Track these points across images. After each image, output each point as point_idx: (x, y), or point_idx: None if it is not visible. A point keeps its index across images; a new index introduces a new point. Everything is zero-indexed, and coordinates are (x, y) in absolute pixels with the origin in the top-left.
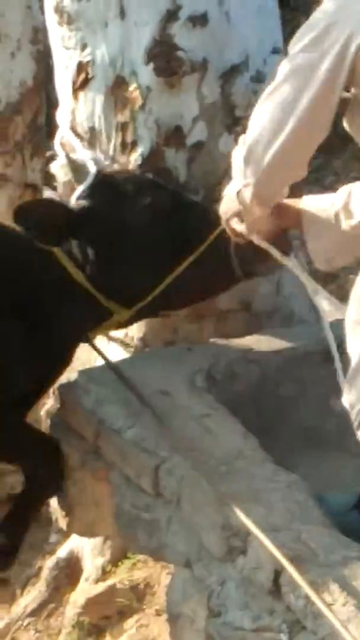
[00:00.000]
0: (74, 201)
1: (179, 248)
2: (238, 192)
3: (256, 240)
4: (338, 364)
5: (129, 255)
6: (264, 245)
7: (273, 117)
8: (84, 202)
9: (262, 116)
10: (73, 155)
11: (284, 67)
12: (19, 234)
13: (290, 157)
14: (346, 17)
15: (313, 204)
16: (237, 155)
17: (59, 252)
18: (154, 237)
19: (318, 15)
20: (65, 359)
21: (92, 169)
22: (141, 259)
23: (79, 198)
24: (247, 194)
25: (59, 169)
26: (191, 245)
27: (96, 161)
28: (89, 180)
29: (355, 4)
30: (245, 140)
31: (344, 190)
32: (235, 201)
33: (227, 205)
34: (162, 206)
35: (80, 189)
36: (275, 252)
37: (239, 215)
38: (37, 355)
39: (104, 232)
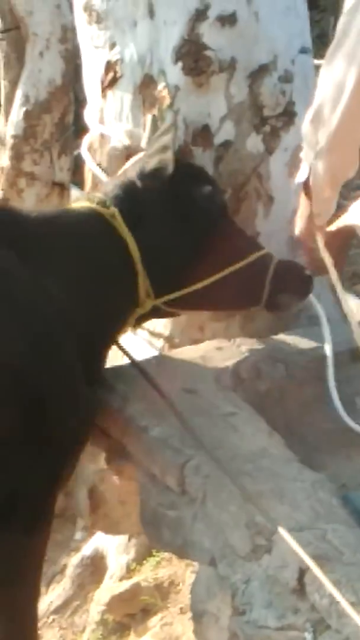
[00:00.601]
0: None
1: (224, 252)
2: (310, 170)
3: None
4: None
5: (183, 243)
6: (321, 246)
7: (334, 79)
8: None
9: (323, 81)
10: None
11: (339, 27)
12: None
13: (355, 119)
14: None
15: None
16: (306, 127)
17: (116, 215)
18: (211, 233)
19: None
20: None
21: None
22: (193, 251)
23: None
24: (320, 167)
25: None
26: (234, 254)
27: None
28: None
29: None
30: (312, 107)
31: None
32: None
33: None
34: (222, 207)
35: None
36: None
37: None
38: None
39: (170, 211)
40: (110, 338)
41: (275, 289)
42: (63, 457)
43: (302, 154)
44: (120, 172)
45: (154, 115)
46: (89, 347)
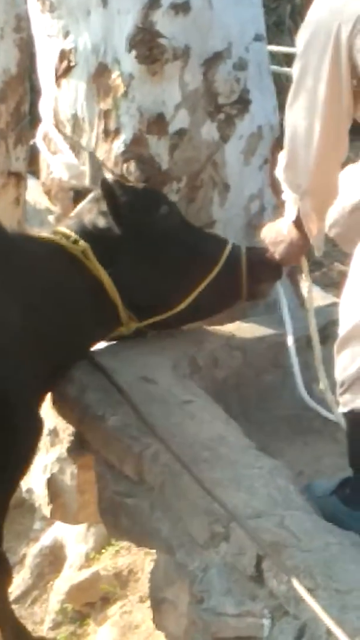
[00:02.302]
0: (84, 205)
1: (195, 266)
2: (298, 210)
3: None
4: (318, 350)
5: (154, 266)
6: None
7: (301, 120)
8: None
9: (291, 124)
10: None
11: (295, 71)
12: (44, 237)
13: (330, 145)
14: (331, 14)
15: None
16: (282, 174)
17: (89, 252)
18: (178, 251)
19: (307, 21)
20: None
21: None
22: (165, 272)
23: (91, 201)
24: (308, 205)
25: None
26: (205, 264)
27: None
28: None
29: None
30: (284, 154)
31: None
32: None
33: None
34: (179, 221)
35: (95, 193)
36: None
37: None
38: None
39: (129, 238)
40: (83, 351)
41: (252, 280)
42: (19, 467)
43: (284, 197)
44: (75, 211)
45: (91, 152)
46: (59, 360)
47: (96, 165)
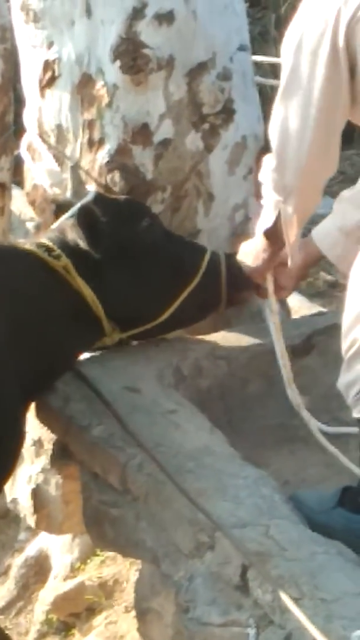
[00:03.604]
0: (66, 219)
1: (176, 276)
2: (279, 215)
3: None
4: (282, 361)
5: (137, 279)
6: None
7: (293, 118)
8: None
9: (281, 124)
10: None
11: (284, 72)
12: (27, 249)
13: (322, 149)
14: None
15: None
16: (268, 176)
17: (70, 267)
18: (159, 264)
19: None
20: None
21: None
22: (148, 284)
23: (73, 216)
24: (290, 209)
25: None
26: (186, 274)
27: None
28: (86, 199)
29: None
30: (272, 155)
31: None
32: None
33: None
34: (160, 232)
35: (77, 206)
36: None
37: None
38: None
39: (112, 252)
40: (68, 362)
41: (231, 288)
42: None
43: (263, 202)
44: (56, 224)
45: (72, 166)
46: (43, 371)
47: (78, 178)
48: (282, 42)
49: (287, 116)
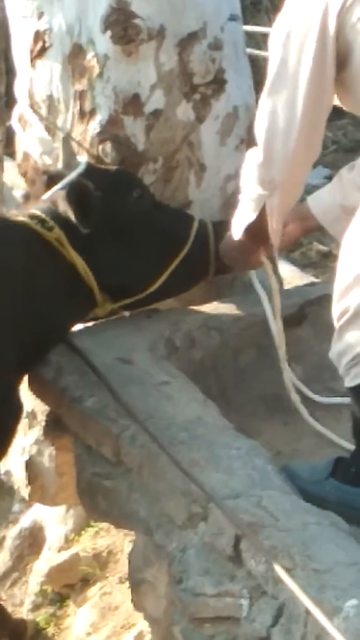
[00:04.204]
0: (58, 190)
1: (166, 246)
2: (263, 209)
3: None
4: (275, 329)
5: (128, 249)
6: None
7: (281, 111)
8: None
9: (268, 118)
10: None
11: (273, 64)
12: (19, 221)
13: (308, 140)
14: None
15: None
16: (252, 172)
17: (63, 239)
18: (149, 234)
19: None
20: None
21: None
22: (139, 255)
23: (65, 188)
24: (275, 201)
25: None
26: (176, 244)
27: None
28: (78, 170)
29: None
30: (257, 150)
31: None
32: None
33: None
34: (150, 203)
35: (69, 178)
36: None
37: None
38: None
39: (103, 223)
40: (60, 334)
41: (219, 256)
42: None
43: (243, 196)
44: (48, 194)
45: (63, 138)
46: (36, 343)
47: (69, 150)
48: (275, 12)
49: (274, 110)
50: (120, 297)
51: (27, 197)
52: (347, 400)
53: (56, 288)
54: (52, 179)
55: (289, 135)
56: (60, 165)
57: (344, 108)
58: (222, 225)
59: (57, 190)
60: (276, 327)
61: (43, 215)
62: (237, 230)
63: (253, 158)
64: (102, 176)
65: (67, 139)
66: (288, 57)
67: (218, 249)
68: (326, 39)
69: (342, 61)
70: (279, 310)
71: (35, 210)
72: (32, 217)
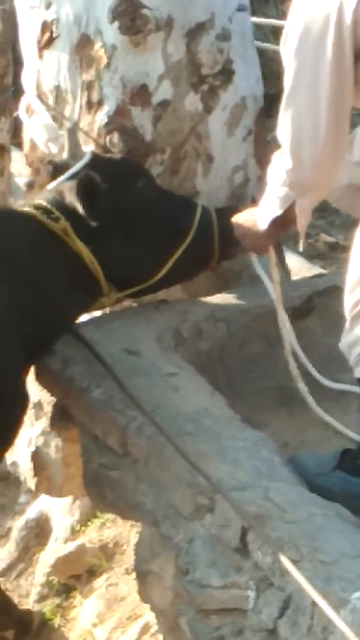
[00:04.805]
0: (64, 181)
1: (171, 234)
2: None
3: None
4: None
5: (134, 239)
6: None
7: (304, 116)
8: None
9: (292, 124)
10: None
11: (289, 73)
12: (26, 212)
13: (335, 140)
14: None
15: None
16: (280, 175)
17: (69, 230)
18: (154, 222)
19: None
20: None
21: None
22: (144, 244)
23: (73, 176)
24: (306, 202)
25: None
26: (180, 231)
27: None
28: (83, 160)
29: None
30: (284, 155)
31: None
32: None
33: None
34: (155, 191)
35: (74, 168)
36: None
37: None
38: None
39: (109, 214)
40: (68, 324)
41: (223, 242)
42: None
43: (272, 192)
44: (53, 184)
45: (69, 128)
46: (44, 333)
47: (75, 140)
48: (283, 2)
49: (297, 115)
50: (127, 286)
51: (30, 186)
52: (356, 388)
53: (62, 278)
54: (57, 169)
55: (316, 140)
56: (65, 155)
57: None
58: (225, 211)
59: (63, 181)
60: (281, 318)
61: (49, 206)
62: (262, 220)
63: (280, 163)
64: (108, 166)
65: (72, 129)
66: (305, 61)
67: (223, 236)
68: (343, 36)
69: (357, 56)
70: (280, 301)
71: (41, 200)
72: (38, 207)
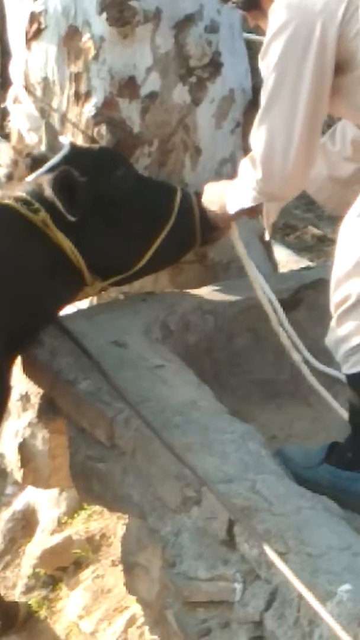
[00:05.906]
0: (45, 171)
1: (152, 221)
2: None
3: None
4: (278, 314)
5: (115, 228)
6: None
7: (280, 128)
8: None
9: (266, 135)
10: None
11: (269, 82)
12: (3, 203)
13: (307, 151)
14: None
15: None
16: (251, 182)
17: (49, 221)
18: (135, 210)
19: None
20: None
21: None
22: (126, 232)
23: (52, 169)
24: (274, 206)
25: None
26: (160, 217)
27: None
28: (62, 152)
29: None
30: (255, 165)
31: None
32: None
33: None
34: (134, 179)
35: (53, 160)
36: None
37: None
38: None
39: (89, 204)
40: (52, 315)
41: (205, 226)
42: None
43: (242, 186)
44: (31, 177)
45: (46, 122)
46: (27, 325)
47: (53, 133)
48: (259, 57)
49: (272, 128)
50: (110, 275)
51: (9, 177)
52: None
53: (43, 269)
54: (35, 161)
55: (287, 154)
56: (43, 147)
57: (331, 113)
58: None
59: (41, 174)
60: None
61: (28, 198)
62: (231, 205)
63: (251, 170)
64: (86, 157)
65: (49, 123)
66: (284, 77)
67: (204, 219)
68: (326, 53)
69: (340, 68)
70: (252, 273)
71: (21, 192)
72: (18, 199)
